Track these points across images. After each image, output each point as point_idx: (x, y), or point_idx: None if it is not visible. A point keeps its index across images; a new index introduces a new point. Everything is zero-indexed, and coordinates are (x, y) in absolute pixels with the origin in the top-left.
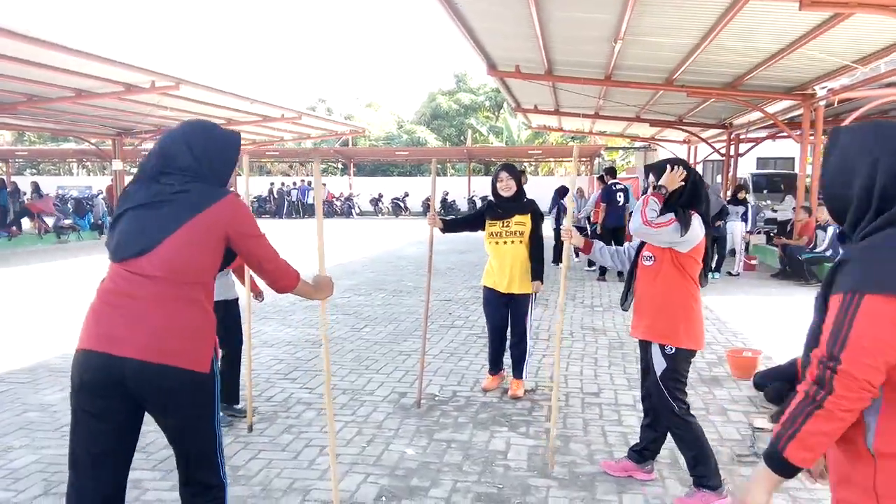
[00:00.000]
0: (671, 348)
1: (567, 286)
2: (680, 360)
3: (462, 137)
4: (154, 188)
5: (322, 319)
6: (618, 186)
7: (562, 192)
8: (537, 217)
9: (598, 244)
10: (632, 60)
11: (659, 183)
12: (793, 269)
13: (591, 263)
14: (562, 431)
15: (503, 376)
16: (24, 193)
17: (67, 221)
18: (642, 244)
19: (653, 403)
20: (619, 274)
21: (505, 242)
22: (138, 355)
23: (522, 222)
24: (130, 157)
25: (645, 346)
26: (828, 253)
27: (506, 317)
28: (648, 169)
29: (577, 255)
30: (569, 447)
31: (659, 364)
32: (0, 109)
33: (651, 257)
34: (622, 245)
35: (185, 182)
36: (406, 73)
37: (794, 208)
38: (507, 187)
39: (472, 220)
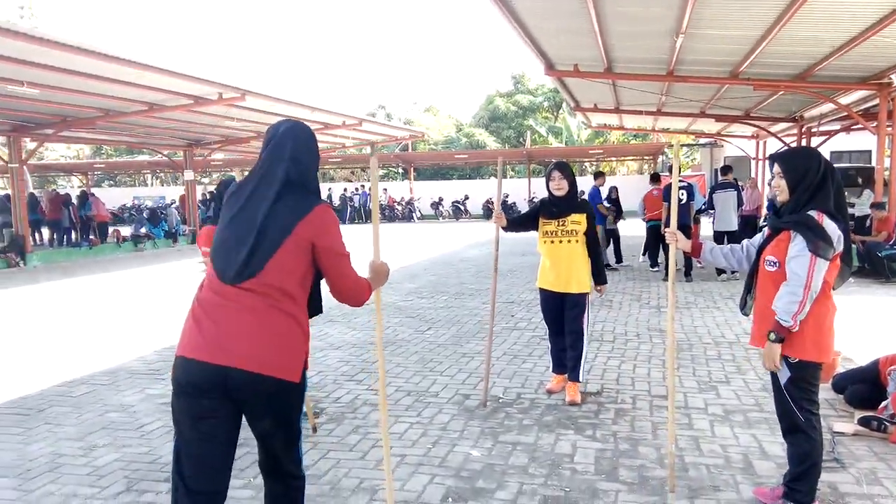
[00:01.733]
0: (795, 359)
1: (631, 287)
2: (806, 369)
3: (521, 139)
4: (259, 193)
5: (377, 308)
6: (679, 184)
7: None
8: (592, 217)
9: (707, 244)
10: (694, 54)
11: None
12: (872, 266)
13: (654, 264)
14: (629, 434)
15: (566, 378)
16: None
17: (143, 230)
18: (764, 244)
19: (778, 414)
20: (686, 274)
21: (560, 242)
22: (240, 365)
23: (578, 221)
24: (200, 167)
25: None
26: None
27: (563, 317)
28: (774, 159)
29: (644, 255)
30: (637, 451)
31: (783, 373)
32: (80, 125)
33: (775, 263)
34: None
35: (295, 191)
36: (463, 77)
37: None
38: (559, 187)
39: (529, 218)
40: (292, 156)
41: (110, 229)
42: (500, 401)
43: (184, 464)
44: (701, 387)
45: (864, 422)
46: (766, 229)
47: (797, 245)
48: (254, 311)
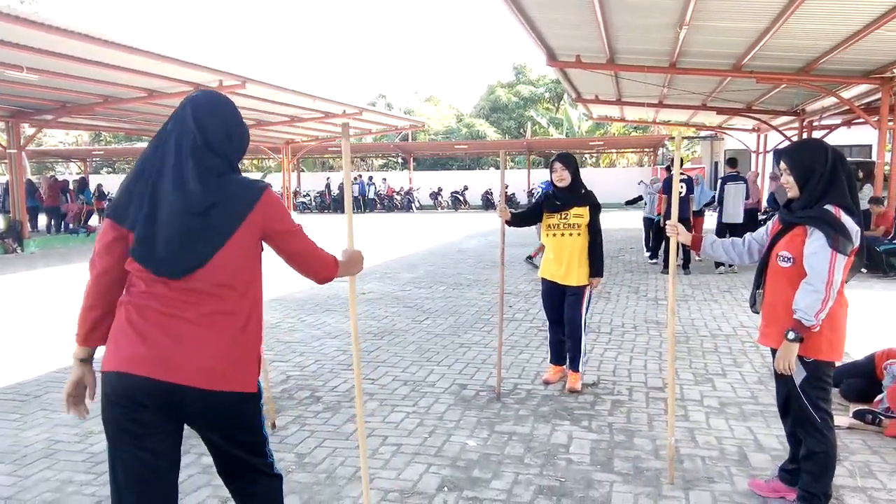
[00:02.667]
0: (810, 359)
1: (629, 279)
2: (821, 369)
3: (522, 130)
4: (188, 175)
5: (351, 297)
6: (680, 178)
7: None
8: (595, 209)
9: (708, 238)
10: (697, 47)
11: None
12: (871, 260)
13: (654, 255)
14: (625, 426)
15: (564, 370)
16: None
17: None
18: (775, 239)
19: (792, 414)
20: (684, 267)
21: (563, 234)
22: (194, 382)
23: (580, 214)
24: None
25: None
26: None
27: (562, 308)
28: (780, 154)
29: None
30: (633, 442)
31: (798, 373)
32: (79, 111)
33: (790, 258)
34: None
35: (222, 174)
36: (465, 67)
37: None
38: (560, 178)
39: (533, 213)
40: (197, 123)
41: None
42: (496, 391)
43: (123, 489)
44: (697, 379)
45: (859, 415)
46: (772, 223)
47: (816, 241)
48: (204, 317)
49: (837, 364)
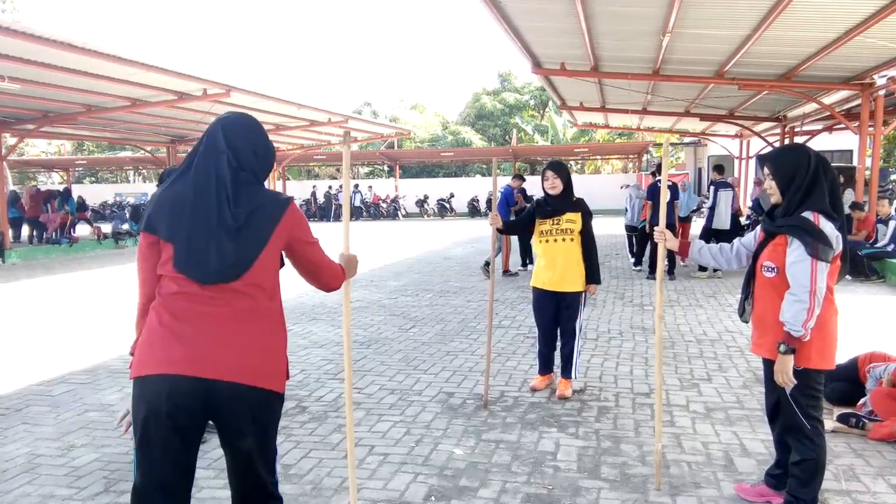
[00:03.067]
0: (800, 367)
1: (615, 285)
2: (811, 376)
3: (507, 137)
4: (225, 191)
5: (345, 299)
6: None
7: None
8: (587, 216)
9: (696, 244)
10: (680, 54)
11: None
12: (852, 265)
13: (638, 262)
14: (612, 432)
15: (552, 378)
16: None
17: (125, 227)
18: (759, 249)
19: (782, 421)
20: (669, 272)
21: (555, 240)
22: (233, 377)
23: (573, 220)
24: None
25: (769, 364)
26: (890, 248)
27: (556, 317)
28: (763, 160)
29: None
30: (619, 448)
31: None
32: (61, 120)
33: (774, 268)
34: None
35: (251, 184)
36: (450, 74)
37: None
38: (552, 186)
39: (525, 223)
40: (229, 145)
41: (91, 226)
42: (483, 399)
43: (146, 490)
44: (683, 384)
45: (842, 419)
46: (758, 232)
47: (796, 250)
48: (238, 314)
49: None
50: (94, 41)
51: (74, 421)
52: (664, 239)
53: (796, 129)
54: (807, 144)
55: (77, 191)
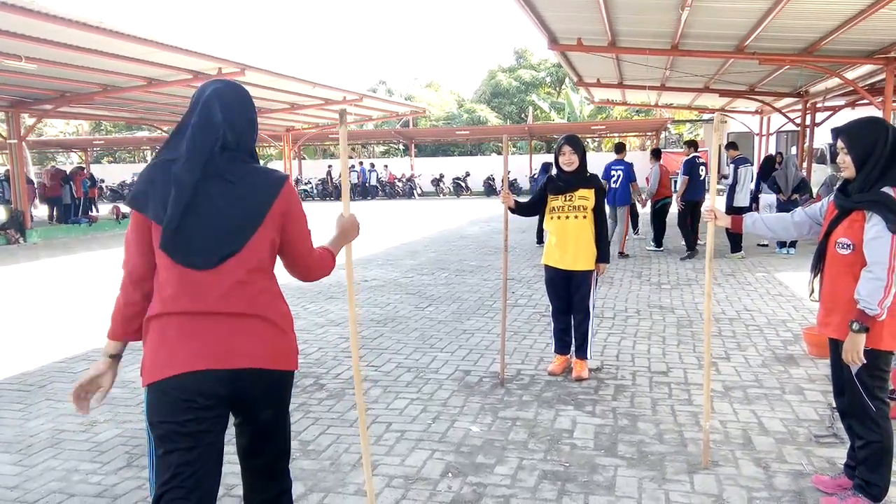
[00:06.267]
0: (868, 347)
1: (632, 263)
2: (880, 358)
3: (523, 115)
4: (218, 168)
5: (347, 264)
6: (700, 160)
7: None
8: (601, 192)
9: (749, 217)
10: (700, 28)
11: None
12: None
13: (660, 244)
14: (629, 410)
15: (569, 360)
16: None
17: None
18: (832, 226)
19: (847, 403)
20: (689, 253)
21: (567, 217)
22: (255, 364)
23: (586, 196)
24: None
25: (836, 344)
26: None
27: (569, 295)
28: (838, 132)
29: (636, 231)
30: (636, 426)
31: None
32: (78, 100)
33: (850, 245)
34: (699, 220)
35: (245, 161)
36: (465, 52)
37: None
38: (569, 162)
39: (539, 201)
40: (226, 119)
41: (110, 205)
42: (500, 377)
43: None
44: (701, 363)
45: None
46: (825, 206)
47: (875, 226)
48: (250, 302)
49: None
50: (109, 21)
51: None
52: (714, 217)
53: (818, 105)
54: (883, 118)
55: (95, 170)
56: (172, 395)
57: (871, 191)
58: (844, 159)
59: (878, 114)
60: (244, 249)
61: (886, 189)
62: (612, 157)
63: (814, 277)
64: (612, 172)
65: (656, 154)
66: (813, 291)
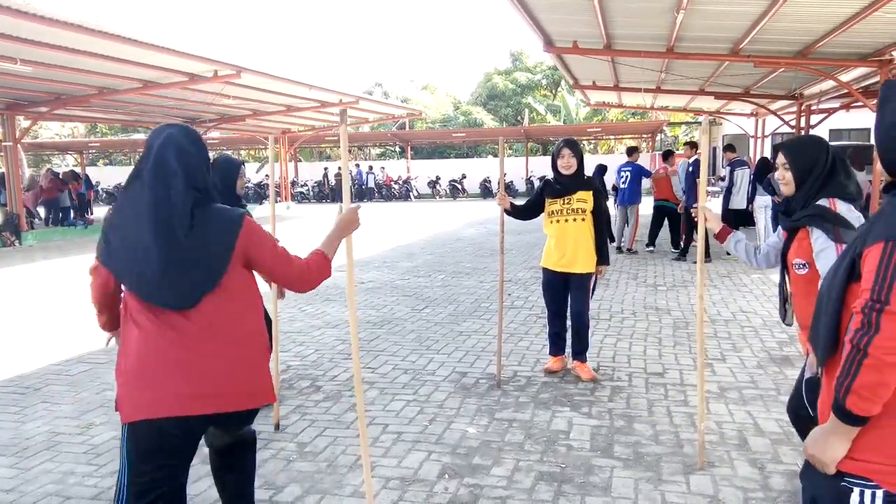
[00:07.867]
0: None
1: (628, 265)
2: None
3: (519, 117)
4: (177, 214)
5: (348, 256)
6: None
7: (601, 170)
8: (599, 195)
9: (735, 236)
10: (695, 31)
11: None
12: None
13: (651, 244)
14: (625, 411)
15: (565, 359)
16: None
17: None
18: (786, 246)
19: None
20: (683, 253)
21: (566, 220)
22: (226, 408)
23: (584, 199)
24: None
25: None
26: None
27: (566, 298)
28: (779, 149)
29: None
30: (633, 427)
31: None
32: (74, 102)
33: (804, 264)
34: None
35: (206, 205)
36: (461, 54)
37: (870, 181)
38: (567, 165)
39: (536, 204)
40: (180, 163)
41: (105, 208)
42: (496, 378)
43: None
44: (696, 364)
45: None
46: (780, 232)
47: (818, 239)
48: (218, 344)
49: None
50: (105, 23)
51: (93, 400)
52: (704, 217)
53: (813, 108)
54: (822, 138)
55: (91, 173)
56: (152, 439)
57: (809, 206)
58: (784, 175)
59: (873, 116)
60: (219, 289)
61: (822, 202)
62: (607, 159)
63: (783, 303)
64: (622, 174)
65: (668, 156)
66: (786, 315)
